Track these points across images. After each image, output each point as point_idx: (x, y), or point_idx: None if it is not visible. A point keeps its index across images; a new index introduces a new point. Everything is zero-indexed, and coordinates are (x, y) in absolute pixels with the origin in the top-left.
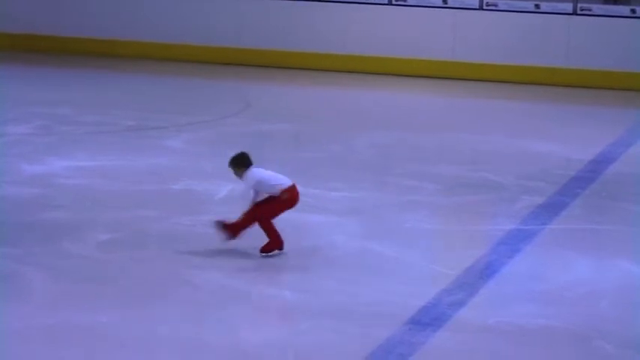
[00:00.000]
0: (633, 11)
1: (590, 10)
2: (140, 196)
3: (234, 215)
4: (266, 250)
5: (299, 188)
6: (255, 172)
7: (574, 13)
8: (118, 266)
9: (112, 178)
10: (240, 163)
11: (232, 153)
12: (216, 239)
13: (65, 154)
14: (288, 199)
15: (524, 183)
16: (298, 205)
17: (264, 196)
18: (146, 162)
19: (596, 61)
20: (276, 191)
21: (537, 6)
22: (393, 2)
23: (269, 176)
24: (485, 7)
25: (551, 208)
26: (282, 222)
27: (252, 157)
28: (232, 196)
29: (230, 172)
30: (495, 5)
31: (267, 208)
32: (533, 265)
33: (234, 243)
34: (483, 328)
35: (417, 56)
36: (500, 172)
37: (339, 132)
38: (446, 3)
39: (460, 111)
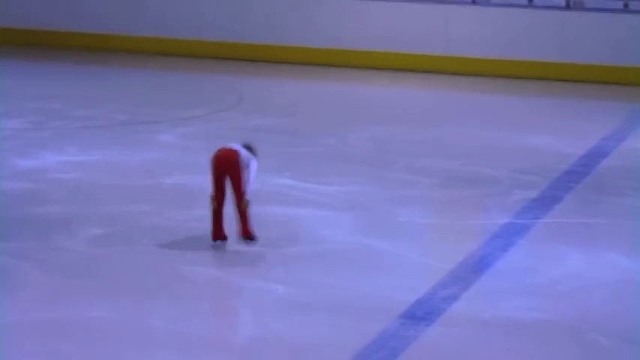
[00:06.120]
0: (626, 6)
1: (583, 4)
2: (133, 190)
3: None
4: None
5: (292, 182)
6: None
7: (567, 7)
8: (111, 261)
9: (105, 172)
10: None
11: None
12: (210, 234)
13: (58, 149)
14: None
15: (518, 177)
16: (292, 199)
17: None
18: (139, 156)
19: (589, 56)
20: None
21: (530, 0)
22: None
23: None
24: (478, 2)
25: (545, 202)
26: (276, 216)
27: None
28: None
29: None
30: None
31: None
32: (527, 258)
33: (228, 238)
34: (477, 321)
35: (409, 51)
36: (494, 166)
37: (333, 126)
38: None
39: (453, 106)
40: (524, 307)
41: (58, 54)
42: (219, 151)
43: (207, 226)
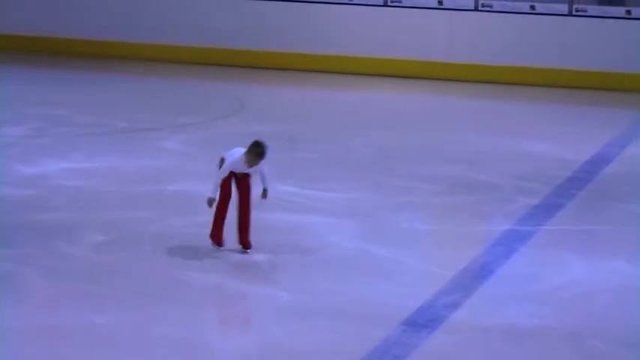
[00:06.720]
0: (628, 12)
1: (585, 11)
2: (135, 197)
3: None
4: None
5: (294, 189)
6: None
7: (569, 14)
8: (114, 267)
9: (107, 179)
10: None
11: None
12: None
13: (60, 156)
14: None
15: (520, 183)
16: (294, 206)
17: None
18: (141, 163)
19: (591, 62)
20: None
21: (532, 7)
22: (389, 3)
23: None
24: (480, 9)
25: (547, 209)
26: (278, 223)
27: None
28: None
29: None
30: (490, 6)
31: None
32: (529, 265)
33: (230, 243)
34: (479, 328)
35: (412, 57)
36: (495, 172)
37: (334, 133)
38: (441, 4)
39: (455, 112)
40: (526, 314)
41: (60, 61)
42: None
43: (208, 232)
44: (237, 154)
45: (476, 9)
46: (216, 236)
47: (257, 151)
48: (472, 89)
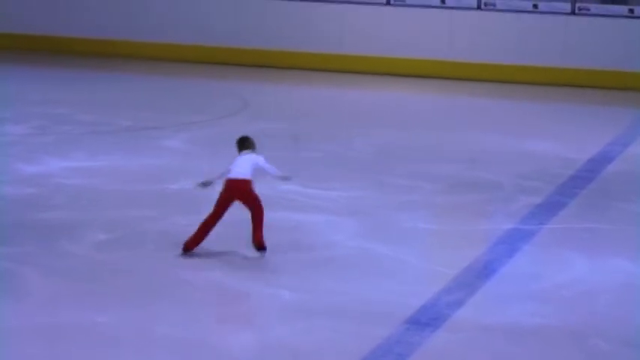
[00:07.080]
0: (631, 11)
1: (588, 9)
2: (137, 196)
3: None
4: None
5: (296, 188)
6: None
7: (572, 12)
8: (115, 266)
9: (110, 178)
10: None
11: (229, 153)
12: (214, 240)
13: (62, 154)
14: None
15: (522, 182)
16: (296, 205)
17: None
18: (143, 162)
19: (593, 61)
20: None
21: (535, 6)
22: (391, 2)
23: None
24: (483, 7)
25: (550, 208)
26: (281, 221)
27: None
28: None
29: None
30: (493, 5)
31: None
32: (532, 264)
33: (232, 243)
34: (481, 327)
35: (414, 56)
36: (498, 171)
37: (336, 131)
38: (444, 3)
39: (457, 110)
40: (529, 313)
41: (62, 59)
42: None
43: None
44: (257, 156)
45: (478, 8)
46: (263, 242)
47: (253, 142)
48: (475, 88)
